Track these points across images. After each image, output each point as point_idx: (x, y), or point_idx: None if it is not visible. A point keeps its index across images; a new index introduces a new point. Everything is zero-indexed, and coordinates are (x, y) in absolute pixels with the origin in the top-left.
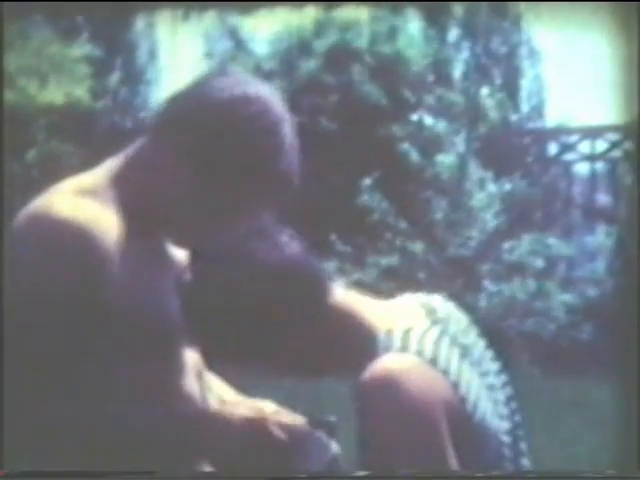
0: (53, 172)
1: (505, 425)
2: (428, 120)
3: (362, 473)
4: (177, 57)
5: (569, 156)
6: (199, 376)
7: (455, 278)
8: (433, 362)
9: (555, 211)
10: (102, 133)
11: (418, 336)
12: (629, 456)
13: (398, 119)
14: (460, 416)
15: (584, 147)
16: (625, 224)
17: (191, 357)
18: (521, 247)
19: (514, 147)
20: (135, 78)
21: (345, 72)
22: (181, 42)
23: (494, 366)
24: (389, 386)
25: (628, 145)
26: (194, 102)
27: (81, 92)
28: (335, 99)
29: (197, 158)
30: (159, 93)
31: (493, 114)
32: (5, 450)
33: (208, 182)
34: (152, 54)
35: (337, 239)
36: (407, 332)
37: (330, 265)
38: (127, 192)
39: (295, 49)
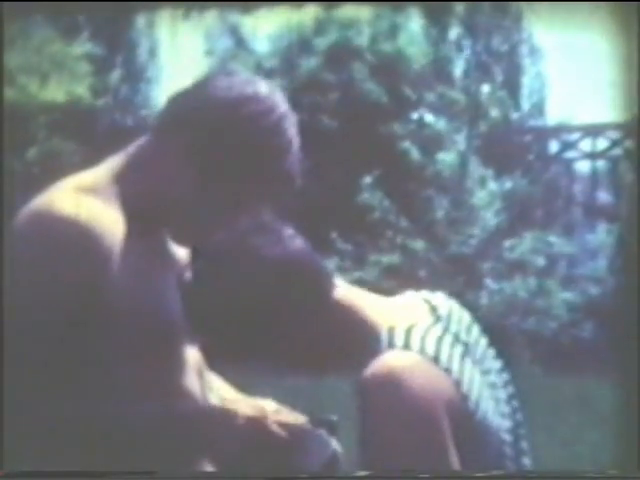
0: (54, 170)
1: (506, 424)
2: (429, 118)
3: (363, 473)
4: (177, 55)
5: (570, 154)
6: (200, 374)
7: (456, 276)
8: (435, 360)
9: (556, 209)
10: (103, 131)
11: (420, 334)
12: (630, 455)
13: (399, 117)
14: (462, 414)
15: (585, 145)
16: (626, 222)
17: (192, 355)
18: (522, 245)
19: (515, 145)
20: (136, 76)
21: (346, 70)
22: (181, 40)
23: (496, 364)
24: (391, 383)
25: (629, 143)
26: (197, 101)
27: (82, 90)
28: (336, 97)
29: (200, 157)
30: (160, 91)
31: (494, 112)
32: (5, 450)
33: (210, 181)
34: (153, 52)
35: (338, 237)
36: (409, 330)
37: (331, 263)
38: (129, 190)
39: (296, 47)
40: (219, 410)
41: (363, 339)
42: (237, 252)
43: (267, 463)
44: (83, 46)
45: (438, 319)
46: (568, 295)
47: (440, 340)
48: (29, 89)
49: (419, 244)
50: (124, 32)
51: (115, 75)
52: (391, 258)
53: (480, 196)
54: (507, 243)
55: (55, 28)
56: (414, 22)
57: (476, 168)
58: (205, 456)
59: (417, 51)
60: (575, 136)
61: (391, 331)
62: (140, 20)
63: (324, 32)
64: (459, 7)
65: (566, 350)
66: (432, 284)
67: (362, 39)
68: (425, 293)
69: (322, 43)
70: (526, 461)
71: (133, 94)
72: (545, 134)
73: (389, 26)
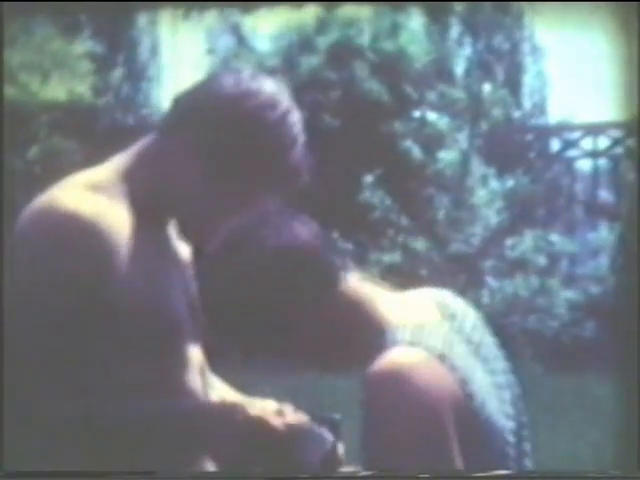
0: (55, 168)
1: (510, 425)
2: (430, 117)
3: (363, 473)
4: (179, 54)
5: (571, 153)
6: (202, 374)
7: (457, 275)
8: (442, 358)
9: (557, 208)
10: (104, 130)
11: (428, 331)
12: (630, 454)
13: (400, 116)
14: (467, 413)
15: (586, 144)
16: (627, 220)
17: (195, 354)
18: (523, 244)
19: (516, 144)
20: (137, 75)
21: (347, 69)
22: (183, 39)
23: (502, 365)
24: (396, 380)
25: (630, 142)
26: (202, 98)
27: (83, 89)
28: (337, 96)
29: (207, 152)
30: (161, 90)
31: (495, 111)
32: (5, 450)
33: (218, 176)
34: (154, 51)
35: (339, 236)
36: (417, 326)
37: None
38: (136, 187)
39: (297, 46)
40: (219, 408)
41: (371, 333)
42: (243, 242)
43: (266, 461)
44: (84, 45)
45: (446, 317)
46: (569, 294)
47: (447, 338)
48: (30, 87)
49: (420, 243)
50: (125, 31)
51: (116, 74)
52: (392, 257)
53: (481, 195)
54: (508, 242)
55: (56, 26)
56: (415, 21)
57: (477, 167)
58: (205, 453)
59: (418, 50)
60: (576, 135)
61: (399, 327)
62: (141, 19)
63: (325, 31)
64: (460, 6)
65: (567, 349)
66: (433, 283)
67: (363, 38)
68: (434, 291)
69: (323, 42)
70: (528, 463)
71: (134, 93)
72: (546, 133)
73: (390, 25)
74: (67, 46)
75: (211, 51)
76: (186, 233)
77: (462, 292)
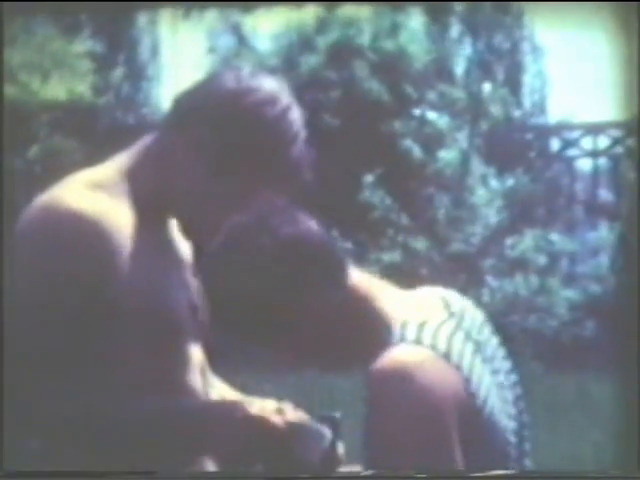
0: (55, 168)
1: (512, 425)
2: (430, 116)
3: (364, 473)
4: (179, 54)
5: (571, 152)
6: (203, 373)
7: (457, 274)
8: (446, 356)
9: (557, 207)
10: (104, 129)
11: (433, 329)
12: (631, 454)
13: (400, 115)
14: (469, 412)
15: (586, 143)
16: (627, 220)
17: (196, 354)
18: (523, 243)
19: (516, 143)
20: (137, 74)
21: (347, 68)
22: (183, 38)
23: (505, 365)
24: (399, 377)
25: (630, 141)
26: (202, 96)
27: (83, 88)
28: (337, 95)
29: (208, 150)
30: (161, 89)
31: (495, 110)
32: (5, 450)
33: (220, 173)
34: (154, 50)
35: (339, 235)
36: (422, 324)
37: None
38: (138, 186)
39: (297, 45)
40: (219, 406)
41: (375, 330)
42: (251, 236)
43: (266, 458)
44: (84, 44)
45: (451, 315)
46: (569, 293)
47: (452, 336)
48: (30, 87)
49: (420, 242)
50: (125, 30)
51: (117, 73)
52: (392, 256)
53: (481, 194)
54: (508, 241)
55: (56, 26)
56: (415, 20)
57: (477, 166)
58: (205, 451)
59: (418, 49)
60: (576, 134)
61: (404, 325)
62: (141, 18)
63: (325, 31)
64: (460, 5)
65: (567, 348)
66: (433, 282)
67: (363, 37)
68: (440, 289)
69: (323, 42)
70: (528, 463)
71: (134, 92)
72: (546, 132)
73: (390, 24)
74: (67, 46)
75: (211, 51)
76: (188, 231)
77: (462, 291)
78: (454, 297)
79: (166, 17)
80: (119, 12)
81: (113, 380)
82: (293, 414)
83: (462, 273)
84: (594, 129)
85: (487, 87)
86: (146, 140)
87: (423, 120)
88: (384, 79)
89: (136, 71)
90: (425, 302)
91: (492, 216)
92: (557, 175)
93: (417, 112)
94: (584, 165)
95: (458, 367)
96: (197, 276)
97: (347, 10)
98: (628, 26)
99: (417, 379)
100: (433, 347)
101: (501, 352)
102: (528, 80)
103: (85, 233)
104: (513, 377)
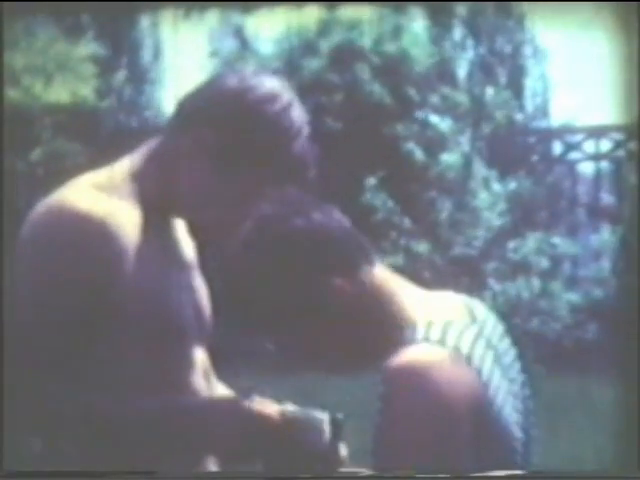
0: (58, 171)
1: (520, 434)
2: (433, 119)
3: (365, 473)
4: (181, 57)
5: (574, 155)
6: (206, 376)
7: (460, 277)
8: (468, 359)
9: (560, 210)
10: (107, 132)
11: (458, 331)
12: (631, 454)
13: (403, 118)
14: (485, 418)
15: (589, 146)
16: (629, 223)
17: (200, 357)
18: (526, 246)
19: (519, 146)
20: (140, 77)
21: (349, 71)
22: (185, 41)
23: (520, 377)
24: (420, 375)
25: (632, 145)
26: (206, 97)
27: (86, 91)
28: (340, 98)
29: (213, 149)
30: (163, 92)
31: (498, 113)
32: (5, 450)
33: (225, 172)
34: (157, 53)
35: None
36: (447, 325)
37: None
38: (144, 188)
39: (299, 49)
40: (218, 403)
41: (396, 327)
42: (269, 229)
43: (265, 454)
44: (87, 47)
45: (475, 321)
46: (572, 296)
47: (475, 341)
48: (33, 90)
49: (423, 245)
50: (128, 33)
51: (119, 76)
52: (394, 259)
53: (484, 197)
54: (511, 244)
55: (59, 28)
56: (417, 23)
57: (480, 169)
58: (205, 448)
59: (420, 52)
60: (579, 138)
61: (429, 324)
62: (143, 20)
63: (327, 34)
64: (462, 8)
65: (569, 351)
66: (436, 285)
67: (365, 40)
68: (462, 295)
69: (325, 45)
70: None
71: (137, 95)
72: (549, 135)
73: (392, 27)
74: (70, 49)
75: (213, 53)
76: (195, 232)
77: (464, 294)
78: (478, 305)
79: (167, 19)
80: (121, 13)
81: (116, 381)
82: (292, 409)
83: (464, 276)
84: (596, 132)
85: (489, 90)
86: (151, 143)
87: (425, 123)
88: (386, 82)
89: (139, 74)
90: (449, 305)
91: (494, 219)
92: (559, 178)
93: (419, 115)
94: (586, 168)
95: (478, 372)
96: (215, 275)
97: (349, 13)
98: (630, 28)
99: (436, 378)
100: (456, 349)
101: (517, 365)
102: (530, 83)
103: (91, 234)
104: (525, 390)
